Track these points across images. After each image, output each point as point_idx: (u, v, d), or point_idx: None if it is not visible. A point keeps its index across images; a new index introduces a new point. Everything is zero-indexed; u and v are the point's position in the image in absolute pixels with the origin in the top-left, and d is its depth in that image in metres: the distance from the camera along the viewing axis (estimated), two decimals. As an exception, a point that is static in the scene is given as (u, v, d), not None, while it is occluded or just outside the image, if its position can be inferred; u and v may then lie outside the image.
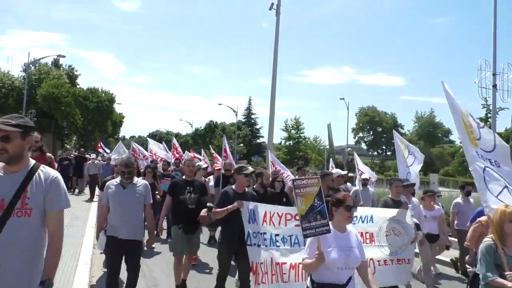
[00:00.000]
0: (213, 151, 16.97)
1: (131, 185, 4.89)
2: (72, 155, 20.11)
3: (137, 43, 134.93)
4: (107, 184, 5.04)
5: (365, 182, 9.60)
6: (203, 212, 5.62)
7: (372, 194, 9.66)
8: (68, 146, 49.50)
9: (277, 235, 4.79)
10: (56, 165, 6.23)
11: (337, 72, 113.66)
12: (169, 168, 10.63)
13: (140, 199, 4.88)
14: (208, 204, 5.80)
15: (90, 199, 15.35)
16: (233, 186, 5.31)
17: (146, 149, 16.81)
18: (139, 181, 5.02)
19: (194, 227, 5.90)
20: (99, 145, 24.69)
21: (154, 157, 15.02)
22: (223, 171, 8.79)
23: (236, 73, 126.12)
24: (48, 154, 6.10)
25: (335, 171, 8.93)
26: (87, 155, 19.56)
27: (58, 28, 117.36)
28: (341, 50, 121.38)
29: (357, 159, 10.77)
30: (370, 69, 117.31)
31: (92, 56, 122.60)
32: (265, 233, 4.76)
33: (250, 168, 5.59)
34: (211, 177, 9.59)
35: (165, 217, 9.76)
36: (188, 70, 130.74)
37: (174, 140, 16.23)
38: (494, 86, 12.46)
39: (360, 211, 5.23)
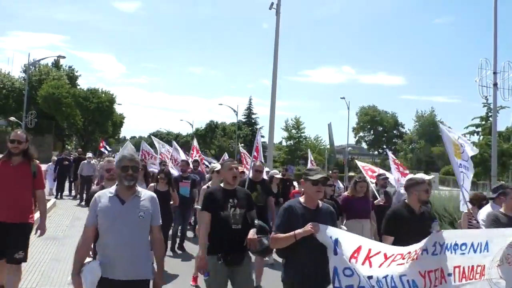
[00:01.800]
0: (242, 150, 14.55)
1: (133, 198, 3.30)
2: (71, 156, 18.02)
3: (137, 44, 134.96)
4: (95, 196, 3.33)
5: None
6: (252, 233, 3.99)
7: None
8: (69, 147, 49.53)
9: (370, 277, 3.31)
10: (44, 173, 4.85)
11: (337, 71, 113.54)
12: (188, 169, 9.28)
13: (145, 219, 3.29)
14: (257, 222, 4.19)
15: (85, 203, 14.04)
16: (301, 199, 3.63)
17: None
18: (144, 193, 3.43)
19: (239, 256, 4.08)
20: (101, 145, 22.35)
21: (162, 158, 13.31)
22: (250, 175, 7.03)
23: (236, 73, 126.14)
24: (35, 162, 4.71)
25: (419, 175, 6.23)
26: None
27: (59, 29, 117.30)
28: (341, 50, 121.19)
29: (391, 156, 9.44)
30: (371, 69, 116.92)
31: (93, 57, 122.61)
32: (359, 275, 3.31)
33: (319, 171, 3.70)
34: None
35: (177, 232, 8.29)
36: (188, 71, 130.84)
37: (195, 142, 14.47)
38: (495, 84, 12.45)
39: (472, 235, 3.76)
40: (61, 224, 10.15)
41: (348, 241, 3.35)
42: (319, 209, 3.57)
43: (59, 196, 15.07)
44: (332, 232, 3.33)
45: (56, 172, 15.48)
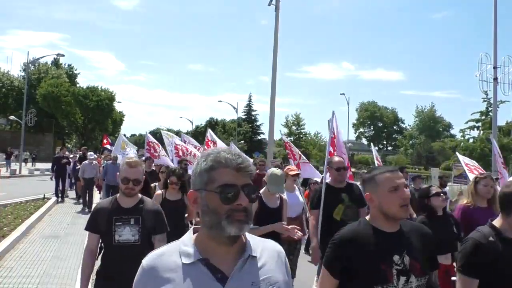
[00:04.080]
0: (284, 138, 10.84)
1: (243, 264, 1.20)
2: (75, 155, 16.64)
3: (136, 41, 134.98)
4: (148, 265, 1.22)
5: None
6: None
7: None
8: (69, 146, 49.54)
9: None
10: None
11: (337, 67, 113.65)
12: None
13: None
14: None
15: (88, 209, 11.82)
16: None
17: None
18: (254, 242, 1.29)
19: None
20: (105, 141, 19.54)
21: (178, 152, 10.72)
22: (328, 179, 4.69)
23: (236, 70, 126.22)
24: None
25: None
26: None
27: (58, 27, 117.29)
28: (341, 46, 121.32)
29: (461, 158, 8.26)
30: (370, 65, 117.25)
31: (92, 55, 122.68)
32: None
33: None
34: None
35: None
36: (188, 68, 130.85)
37: (209, 133, 11.70)
38: (495, 79, 12.44)
39: None
40: (63, 222, 10.15)
41: None
42: None
43: (59, 199, 14.05)
44: None
45: (55, 172, 14.53)
